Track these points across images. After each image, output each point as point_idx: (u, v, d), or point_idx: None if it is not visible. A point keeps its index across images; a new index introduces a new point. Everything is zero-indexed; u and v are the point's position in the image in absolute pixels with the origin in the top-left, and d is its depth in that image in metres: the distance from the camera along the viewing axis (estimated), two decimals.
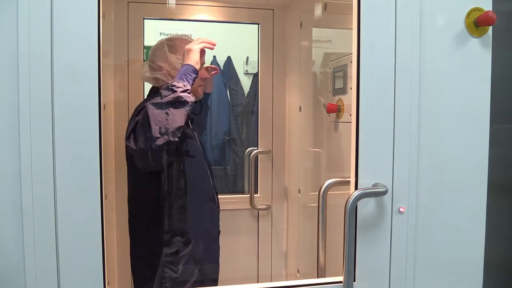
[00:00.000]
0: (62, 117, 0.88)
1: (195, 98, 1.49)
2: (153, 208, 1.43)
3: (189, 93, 1.23)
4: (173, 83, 1.22)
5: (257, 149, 1.97)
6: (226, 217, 1.96)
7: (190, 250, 1.43)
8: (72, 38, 0.87)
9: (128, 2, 1.73)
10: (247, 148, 2.05)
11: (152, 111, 1.19)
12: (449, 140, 1.06)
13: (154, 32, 1.96)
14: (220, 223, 1.60)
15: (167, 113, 1.19)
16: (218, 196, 1.58)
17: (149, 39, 1.80)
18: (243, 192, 2.25)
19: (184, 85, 1.22)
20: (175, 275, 1.40)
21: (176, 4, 1.84)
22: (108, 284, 0.94)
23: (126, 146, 1.26)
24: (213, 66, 1.60)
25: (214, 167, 2.56)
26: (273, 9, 1.92)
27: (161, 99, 1.21)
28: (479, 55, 1.07)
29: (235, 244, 1.96)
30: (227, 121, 2.53)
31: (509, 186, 1.51)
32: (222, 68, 2.52)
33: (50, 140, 0.87)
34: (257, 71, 2.07)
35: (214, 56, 2.45)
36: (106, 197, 1.28)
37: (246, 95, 2.54)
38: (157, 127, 1.17)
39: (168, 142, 1.18)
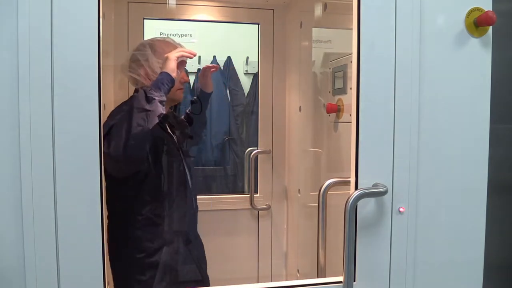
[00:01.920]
0: (62, 117, 0.88)
1: (175, 102, 1.51)
2: (124, 211, 1.40)
3: (163, 104, 1.24)
4: (150, 91, 1.23)
5: (257, 149, 1.97)
6: (226, 217, 1.97)
7: (159, 256, 1.40)
8: (72, 38, 0.87)
9: (128, 2, 1.73)
10: (247, 148, 2.05)
11: (125, 118, 1.21)
12: (449, 140, 1.06)
13: (154, 32, 1.96)
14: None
15: (137, 122, 1.19)
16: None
17: None
18: (243, 192, 2.25)
19: (160, 95, 1.24)
20: (144, 279, 1.38)
21: (176, 4, 1.84)
22: (108, 284, 0.94)
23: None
24: (212, 64, 1.61)
25: (214, 167, 2.56)
26: (273, 9, 1.92)
27: (136, 104, 1.22)
28: (479, 55, 1.07)
29: (235, 244, 1.96)
30: (227, 121, 2.54)
31: (509, 186, 1.51)
32: (222, 68, 2.52)
33: (50, 140, 0.87)
34: (257, 71, 2.07)
35: (214, 56, 2.46)
36: None
37: (246, 95, 2.55)
38: (128, 133, 1.18)
39: (137, 149, 1.20)
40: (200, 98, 1.62)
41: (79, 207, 0.89)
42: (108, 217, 1.39)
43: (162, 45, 1.41)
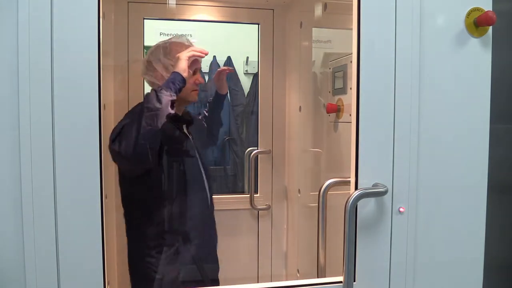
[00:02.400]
0: (62, 117, 0.88)
1: (189, 103, 1.54)
2: (142, 208, 1.43)
3: (173, 103, 1.25)
4: (160, 91, 1.24)
5: (257, 149, 1.97)
6: (226, 217, 1.96)
7: (177, 252, 1.43)
8: (72, 38, 0.88)
9: (128, 2, 1.73)
10: (247, 148, 2.05)
11: (135, 118, 1.23)
12: (449, 140, 1.06)
13: (154, 32, 1.96)
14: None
15: (146, 122, 1.21)
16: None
17: (149, 39, 1.80)
18: (243, 192, 2.25)
19: (171, 95, 1.25)
20: (161, 276, 1.40)
21: (176, 4, 1.84)
22: (108, 284, 0.94)
23: (111, 149, 1.26)
24: (227, 67, 1.64)
25: (214, 167, 2.56)
26: (273, 9, 1.92)
27: (146, 103, 1.24)
28: (479, 55, 1.07)
29: (235, 244, 1.96)
30: (227, 121, 2.53)
31: (509, 186, 1.51)
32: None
33: (50, 140, 0.87)
34: (257, 71, 2.07)
35: (214, 56, 2.45)
36: (106, 197, 1.28)
37: (246, 95, 2.54)
38: (137, 133, 1.20)
39: (145, 148, 1.21)
40: (216, 100, 1.66)
41: (79, 207, 0.89)
42: (124, 214, 1.43)
43: (175, 47, 1.43)
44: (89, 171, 0.89)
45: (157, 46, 1.46)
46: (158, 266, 1.40)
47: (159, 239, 1.42)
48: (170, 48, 1.43)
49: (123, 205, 1.45)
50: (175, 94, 1.25)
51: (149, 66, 1.44)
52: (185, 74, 1.28)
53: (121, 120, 1.30)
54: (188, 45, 1.43)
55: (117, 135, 1.23)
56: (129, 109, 1.41)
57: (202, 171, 1.53)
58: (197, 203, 1.51)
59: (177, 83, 1.26)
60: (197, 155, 1.53)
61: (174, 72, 1.28)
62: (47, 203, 0.88)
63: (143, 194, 1.42)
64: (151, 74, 1.43)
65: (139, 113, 1.24)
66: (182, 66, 1.28)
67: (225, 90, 1.65)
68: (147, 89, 1.74)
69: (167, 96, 1.23)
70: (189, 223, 1.48)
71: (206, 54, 1.35)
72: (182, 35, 1.54)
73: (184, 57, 1.29)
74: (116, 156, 1.24)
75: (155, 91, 1.26)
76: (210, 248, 1.58)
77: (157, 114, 1.21)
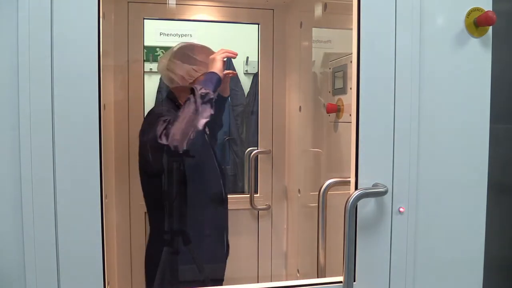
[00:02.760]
0: (62, 117, 0.88)
1: None
2: (162, 206, 1.48)
3: (212, 100, 1.30)
4: (205, 92, 1.29)
5: (257, 149, 1.97)
6: None
7: (190, 250, 1.46)
8: (72, 38, 0.87)
9: (128, 2, 1.73)
10: (247, 148, 2.05)
11: (185, 114, 1.28)
12: (449, 140, 1.06)
13: (154, 32, 1.96)
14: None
15: (192, 117, 1.27)
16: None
17: (149, 39, 1.80)
18: (243, 192, 2.25)
19: (211, 95, 1.30)
20: (174, 273, 1.44)
21: (176, 4, 1.84)
22: (108, 284, 0.94)
23: (157, 145, 1.29)
24: (231, 71, 1.66)
25: None
26: (273, 9, 1.92)
27: (192, 103, 1.29)
28: (479, 55, 1.07)
29: (235, 244, 1.96)
30: (227, 121, 2.53)
31: (509, 186, 1.51)
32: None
33: (50, 140, 0.87)
34: (257, 71, 2.07)
35: None
36: (106, 197, 1.28)
37: (246, 95, 2.54)
38: (186, 128, 1.26)
39: (193, 143, 1.27)
40: (217, 102, 1.67)
41: (79, 207, 0.89)
42: (147, 209, 1.51)
43: (200, 49, 1.47)
44: (89, 171, 0.89)
45: (182, 47, 1.50)
46: (176, 262, 1.44)
47: (179, 235, 1.46)
48: (196, 50, 1.47)
49: (145, 202, 1.50)
50: (212, 93, 1.30)
51: (171, 65, 1.46)
52: (221, 74, 1.33)
53: (158, 118, 1.33)
54: (212, 50, 1.47)
55: (163, 131, 1.27)
56: (158, 108, 1.48)
57: (217, 169, 1.57)
58: (215, 200, 1.55)
59: (216, 82, 1.31)
60: (213, 153, 1.57)
61: (211, 72, 1.33)
62: (47, 203, 0.88)
63: (165, 191, 1.47)
64: (173, 73, 1.46)
65: (187, 110, 1.28)
66: (219, 67, 1.34)
67: (227, 93, 1.67)
68: (147, 89, 1.75)
69: (211, 96, 1.29)
70: (208, 220, 1.52)
71: (237, 55, 1.41)
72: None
73: (219, 57, 1.34)
74: (161, 150, 1.28)
75: (194, 89, 1.29)
76: (223, 244, 1.61)
77: (202, 113, 1.27)
